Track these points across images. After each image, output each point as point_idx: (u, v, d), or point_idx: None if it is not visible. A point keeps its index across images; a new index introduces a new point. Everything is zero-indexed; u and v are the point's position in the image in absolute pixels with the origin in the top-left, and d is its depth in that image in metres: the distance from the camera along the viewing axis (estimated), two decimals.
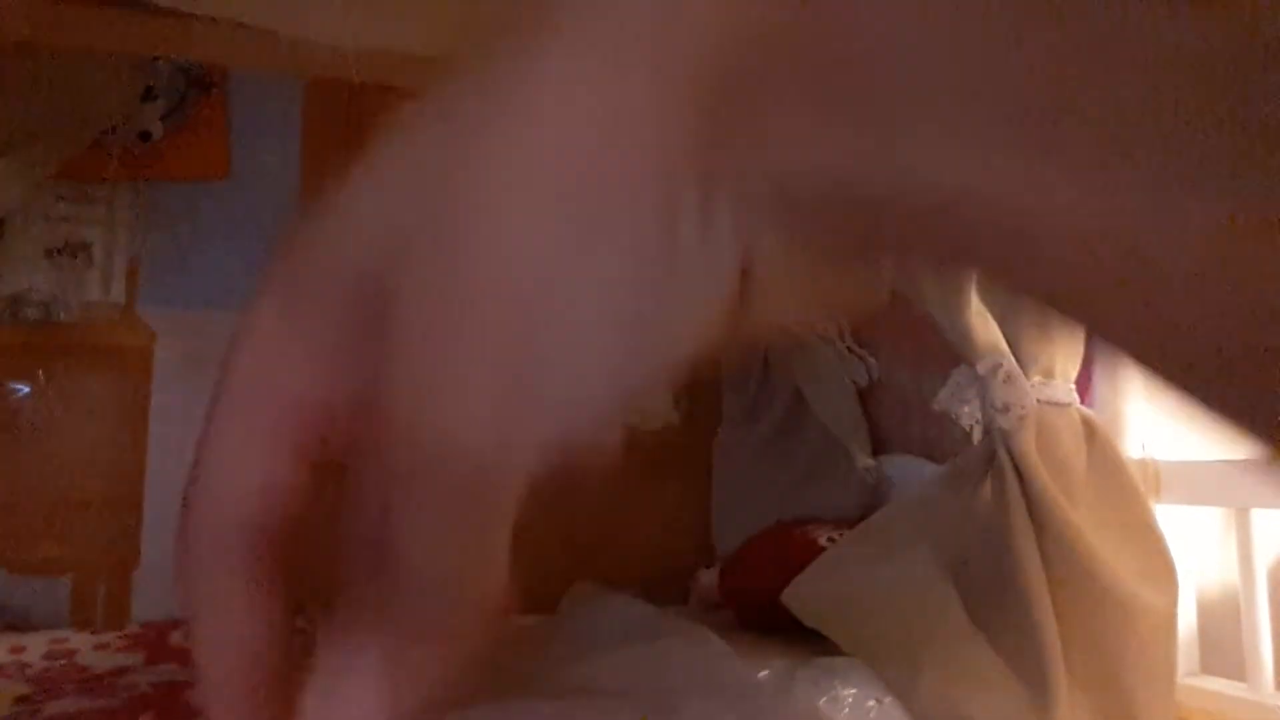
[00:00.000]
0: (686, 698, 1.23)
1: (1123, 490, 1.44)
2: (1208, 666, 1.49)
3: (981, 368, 1.44)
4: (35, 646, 1.61)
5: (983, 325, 1.44)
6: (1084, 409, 1.48)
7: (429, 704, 0.31)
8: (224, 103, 2.06)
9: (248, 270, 2.07)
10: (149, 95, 1.99)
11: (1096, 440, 1.46)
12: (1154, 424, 1.56)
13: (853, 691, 1.34)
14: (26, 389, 1.91)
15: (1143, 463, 1.53)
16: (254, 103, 2.08)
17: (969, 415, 1.52)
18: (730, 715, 1.21)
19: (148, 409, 1.96)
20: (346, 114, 2.17)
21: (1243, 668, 1.40)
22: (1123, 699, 1.32)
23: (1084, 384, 1.52)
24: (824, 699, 1.32)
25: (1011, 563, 1.37)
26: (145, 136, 1.98)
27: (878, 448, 2.08)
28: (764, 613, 1.67)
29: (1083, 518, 1.38)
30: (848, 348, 2.16)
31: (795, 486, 2.17)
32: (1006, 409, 1.42)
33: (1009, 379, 1.43)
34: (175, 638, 1.69)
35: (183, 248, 2.01)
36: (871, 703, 1.34)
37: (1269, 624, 1.40)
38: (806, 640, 1.52)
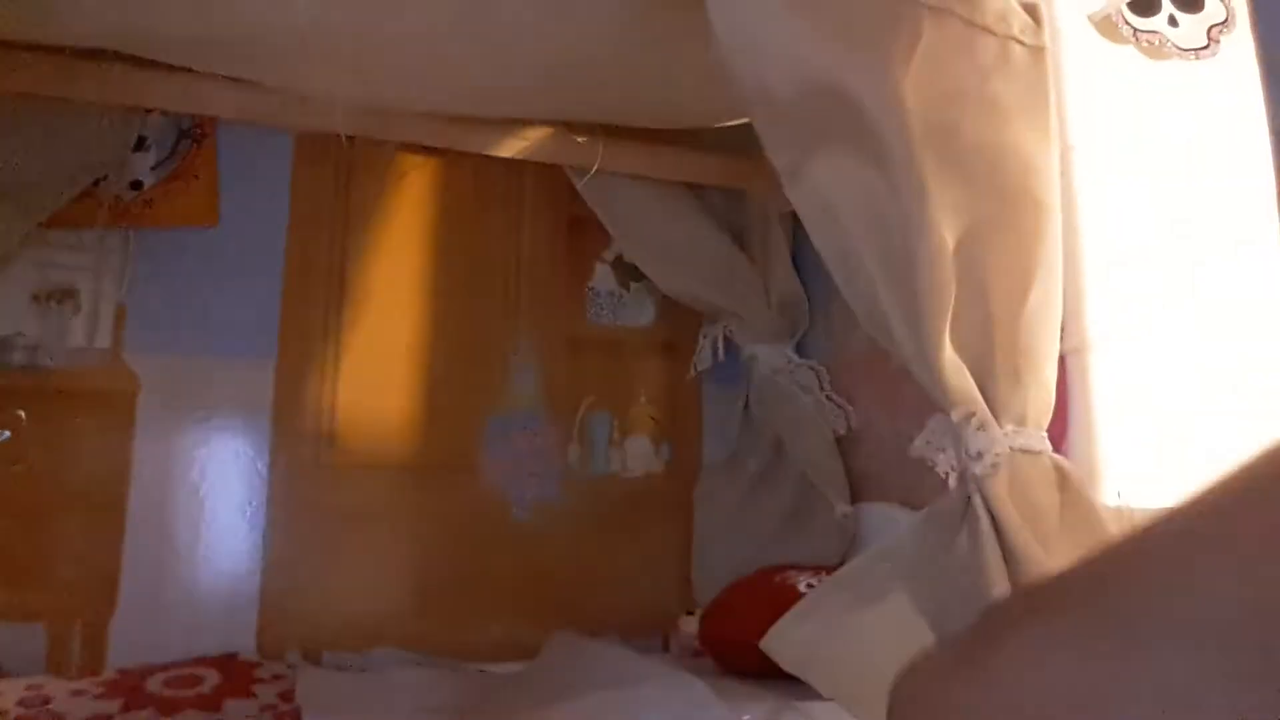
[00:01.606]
0: None
1: (1096, 537, 1.46)
2: None
3: (955, 416, 1.47)
4: (10, 692, 1.60)
5: (956, 374, 1.47)
6: (1056, 456, 1.51)
7: None
8: (214, 153, 2.09)
9: (234, 318, 2.09)
10: (141, 145, 2.03)
11: (1069, 486, 1.49)
12: (1129, 472, 1.59)
13: None
14: (7, 434, 1.91)
15: (1119, 510, 1.56)
16: (244, 153, 2.12)
17: (945, 462, 1.55)
18: None
19: (130, 455, 1.96)
20: (335, 166, 2.21)
21: None
22: None
23: (1059, 432, 1.55)
24: None
25: (986, 606, 1.39)
26: (136, 185, 2.01)
27: (855, 495, 2.11)
28: (744, 659, 1.67)
29: (1055, 562, 1.41)
30: (826, 396, 2.20)
31: (775, 533, 2.18)
32: (980, 456, 1.45)
33: (982, 426, 1.45)
34: (152, 684, 1.68)
35: (170, 295, 2.03)
36: None
37: None
38: (786, 685, 1.53)
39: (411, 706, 1.54)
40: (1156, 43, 1.90)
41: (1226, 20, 1.95)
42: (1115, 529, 1.53)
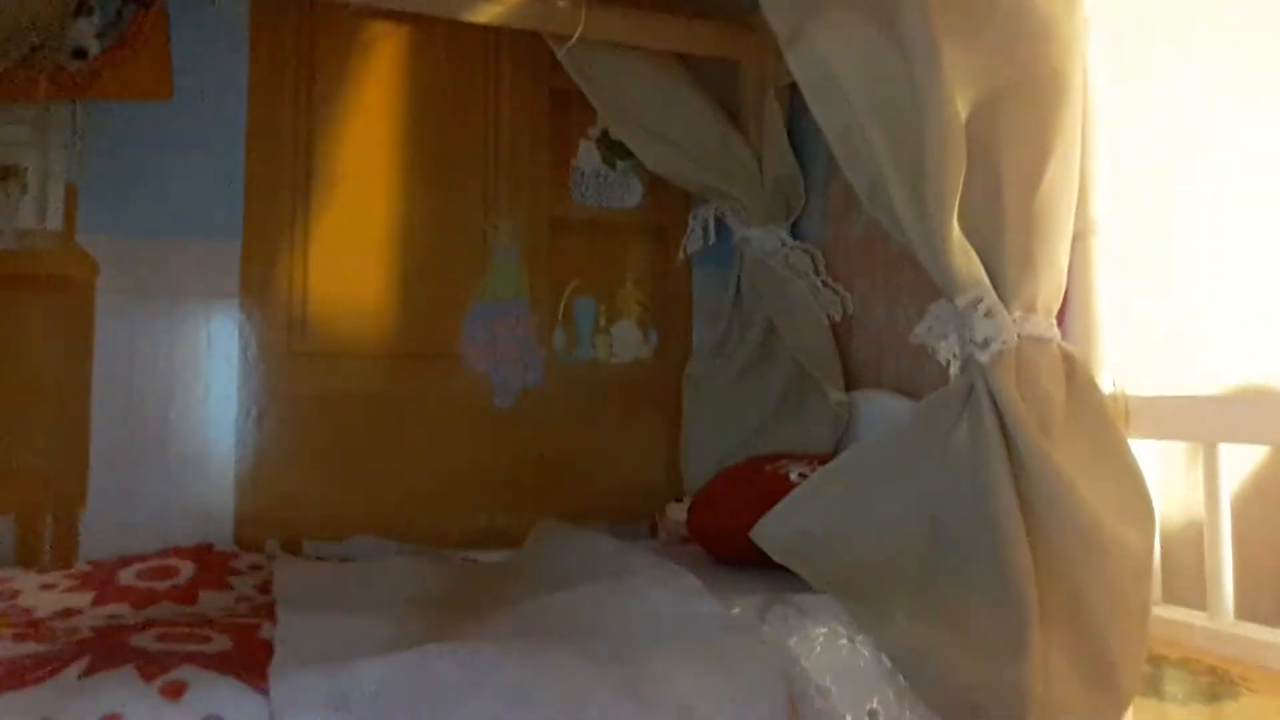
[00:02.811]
0: (653, 641, 1.20)
1: (1102, 427, 1.41)
2: (1169, 595, 1.49)
3: (961, 301, 1.39)
4: None
5: (964, 258, 1.39)
6: (1065, 345, 1.44)
7: None
8: (165, 18, 1.93)
9: (195, 196, 1.97)
10: (82, 10, 1.86)
11: (1076, 376, 1.43)
12: (1124, 358, 1.53)
13: (823, 630, 1.32)
14: None
15: (1113, 397, 1.51)
16: (197, 18, 1.95)
17: (947, 349, 1.47)
18: (696, 662, 1.17)
19: (92, 343, 1.87)
20: (296, 34, 2.04)
21: (1203, 597, 1.42)
22: (1097, 635, 1.30)
23: (1058, 318, 1.48)
24: (794, 638, 1.29)
25: (988, 500, 1.34)
26: (80, 54, 1.85)
27: (850, 383, 2.04)
28: (733, 548, 1.64)
29: (1062, 455, 1.35)
30: (822, 281, 2.11)
31: (766, 421, 2.13)
32: (986, 344, 1.38)
33: (990, 313, 1.38)
34: (125, 576, 1.64)
35: (125, 173, 1.90)
36: (843, 641, 1.32)
37: (1231, 555, 1.41)
38: (776, 576, 1.50)
39: (396, 596, 1.50)
40: None
41: None
42: (1118, 419, 1.48)
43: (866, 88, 1.38)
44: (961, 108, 1.36)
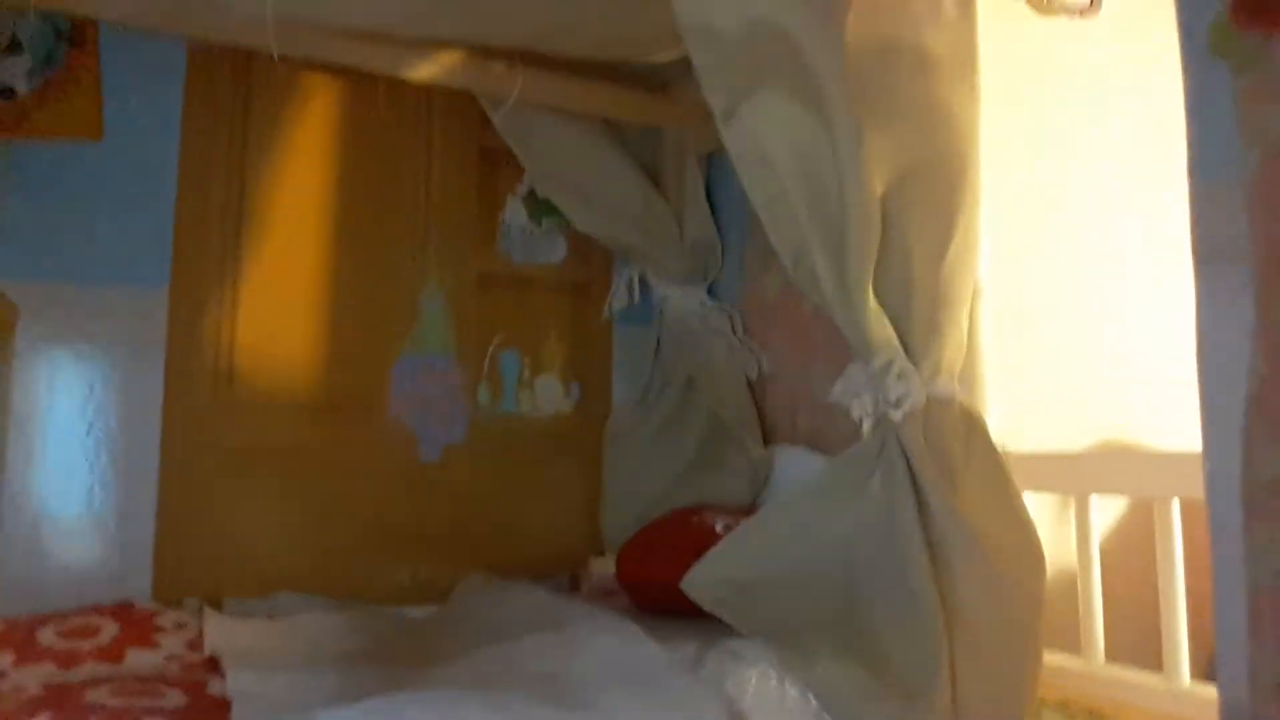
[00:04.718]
0: (603, 684, 1.26)
1: (998, 480, 1.55)
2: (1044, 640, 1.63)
3: (876, 363, 1.52)
4: None
5: (879, 323, 1.52)
6: (966, 403, 1.58)
7: None
8: (97, 59, 1.91)
9: (121, 242, 1.94)
10: (13, 47, 1.83)
11: (976, 432, 1.57)
12: (1002, 416, 1.69)
13: (755, 671, 1.40)
14: None
15: (1006, 454, 1.65)
16: (131, 63, 1.94)
17: (860, 408, 1.59)
18: (645, 701, 1.24)
19: (8, 389, 1.81)
20: (233, 82, 2.06)
21: (1077, 641, 1.54)
22: (996, 671, 1.42)
23: None
24: (730, 680, 1.37)
25: (900, 547, 1.46)
26: (7, 93, 1.82)
27: (766, 437, 2.15)
28: (662, 598, 1.70)
29: (964, 504, 1.48)
30: (739, 340, 2.23)
31: (685, 473, 2.21)
32: (899, 403, 1.50)
33: (902, 375, 1.51)
34: (44, 636, 1.58)
35: (51, 216, 1.86)
36: (773, 682, 1.40)
37: (1101, 601, 1.55)
38: (707, 624, 1.57)
39: (332, 652, 1.51)
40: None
41: None
42: (1011, 473, 1.62)
43: (793, 163, 1.50)
44: (878, 184, 1.50)
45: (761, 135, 1.52)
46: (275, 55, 1.81)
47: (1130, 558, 1.70)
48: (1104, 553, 1.58)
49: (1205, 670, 1.37)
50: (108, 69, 1.93)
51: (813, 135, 1.48)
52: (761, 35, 1.44)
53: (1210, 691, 1.18)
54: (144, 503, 1.93)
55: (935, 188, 1.55)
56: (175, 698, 1.19)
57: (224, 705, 1.16)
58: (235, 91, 2.06)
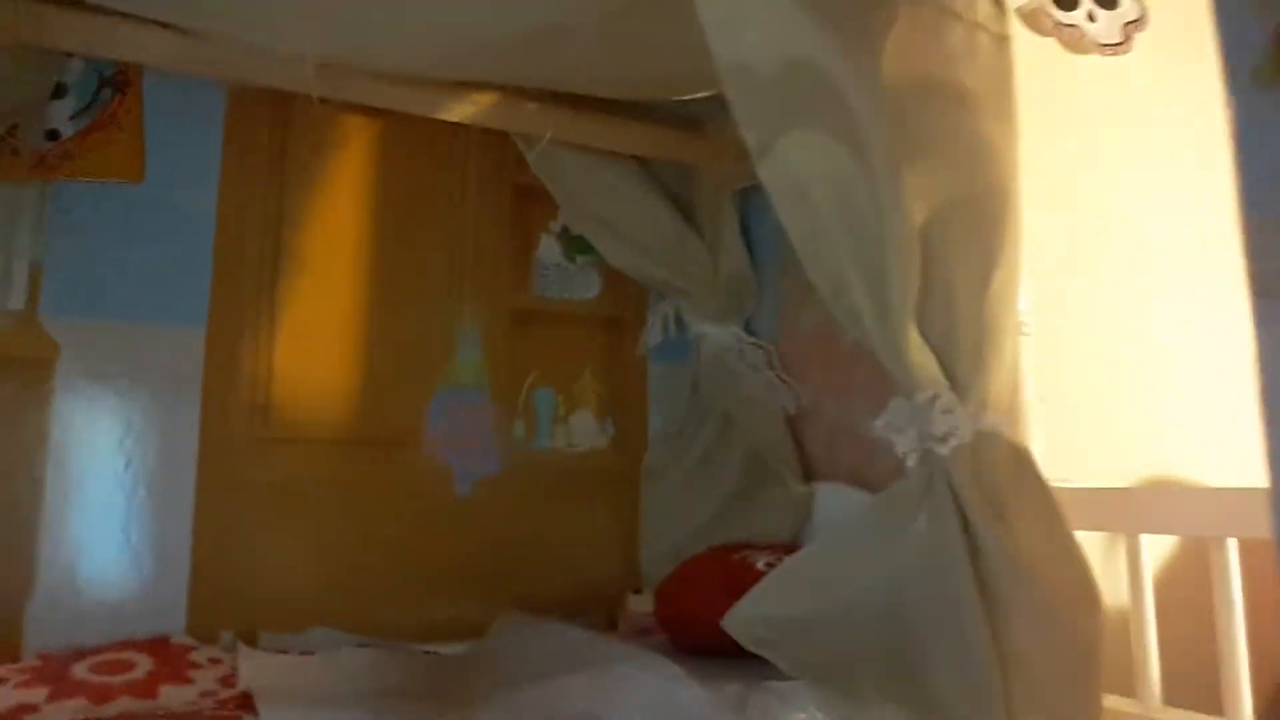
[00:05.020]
0: None
1: (1050, 517, 1.50)
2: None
3: (920, 398, 1.48)
4: None
5: (922, 357, 1.49)
6: (1014, 438, 1.54)
7: None
8: (139, 103, 1.95)
9: (160, 281, 1.96)
10: (59, 92, 1.87)
11: (1025, 468, 1.53)
12: (1050, 453, 1.65)
13: (802, 715, 1.36)
14: None
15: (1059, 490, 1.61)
16: (173, 106, 1.98)
17: (905, 443, 1.56)
18: None
19: (47, 426, 1.82)
20: (271, 124, 2.09)
21: (1132, 684, 1.49)
22: (1054, 713, 1.38)
23: None
24: None
25: (949, 585, 1.42)
26: (53, 135, 1.86)
27: (806, 474, 2.13)
28: (703, 637, 1.67)
29: (1015, 542, 1.44)
30: (777, 376, 2.20)
31: (723, 511, 2.19)
32: (945, 438, 1.47)
33: (947, 410, 1.47)
34: (78, 670, 1.58)
35: (92, 255, 1.88)
36: None
37: (1156, 642, 1.50)
38: (747, 665, 1.53)
39: (366, 689, 1.48)
40: (1076, 37, 1.98)
41: (1140, 19, 2.04)
42: (1063, 509, 1.58)
43: (831, 197, 1.49)
44: (918, 218, 1.48)
45: (798, 170, 1.52)
46: (315, 98, 1.86)
47: (1182, 593, 1.65)
48: (1156, 589, 1.54)
49: (1263, 713, 1.32)
50: (150, 112, 1.96)
51: (850, 170, 1.47)
52: (798, 73, 1.44)
53: None
54: (180, 537, 1.93)
55: (976, 222, 1.53)
56: None
57: None
58: (273, 133, 2.09)
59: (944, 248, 1.50)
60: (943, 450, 1.47)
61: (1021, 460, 1.53)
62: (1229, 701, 1.34)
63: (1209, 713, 1.39)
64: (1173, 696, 1.48)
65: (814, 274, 1.61)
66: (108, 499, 1.87)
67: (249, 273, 2.04)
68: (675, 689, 1.33)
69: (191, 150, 2.01)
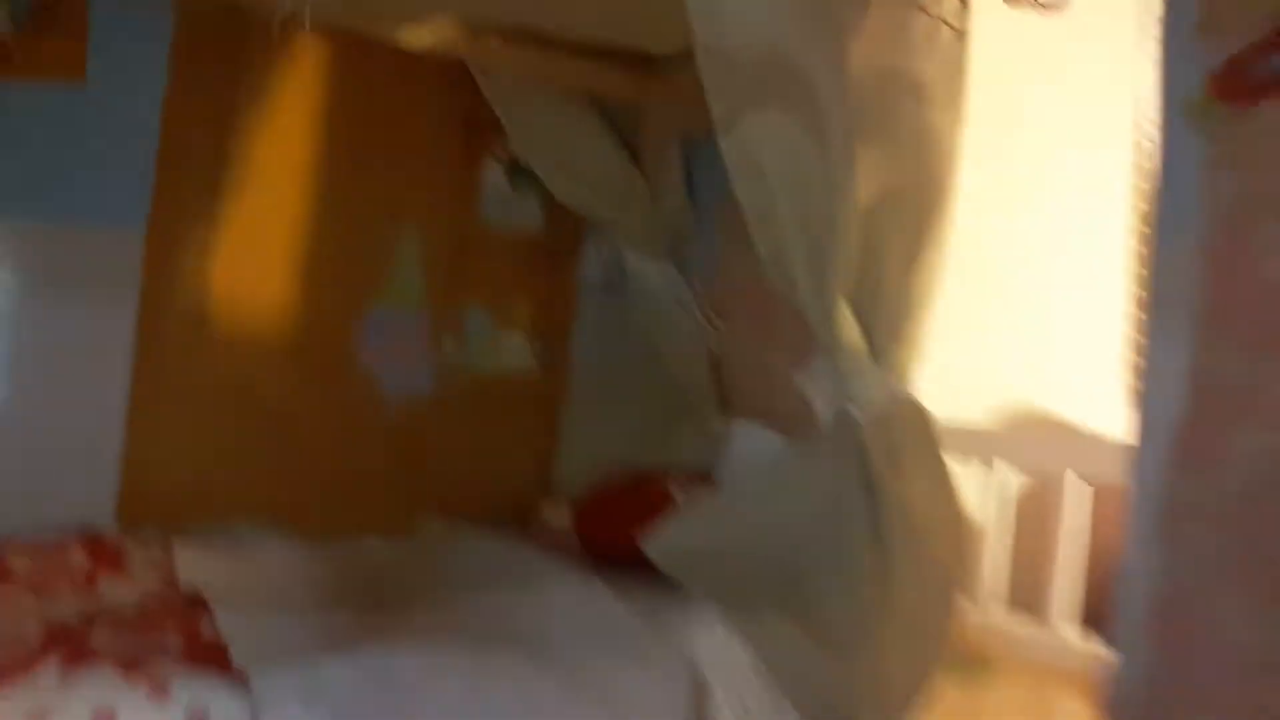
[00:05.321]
0: (576, 642, 1.38)
1: (941, 474, 1.69)
2: None
3: (841, 361, 1.64)
4: None
5: (846, 325, 1.64)
6: (919, 402, 1.71)
7: None
8: (84, 2, 1.88)
9: (101, 183, 1.94)
10: None
11: (926, 431, 1.70)
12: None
13: (708, 628, 1.54)
14: None
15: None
16: (119, 7, 1.90)
17: (821, 399, 1.72)
18: (615, 660, 1.36)
19: None
20: (223, 23, 2.04)
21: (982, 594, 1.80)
22: (917, 630, 1.59)
23: None
24: (687, 636, 1.50)
25: (845, 531, 1.60)
26: None
27: (724, 410, 2.28)
28: (619, 554, 1.82)
29: (907, 493, 1.63)
30: (705, 316, 2.33)
31: (644, 437, 2.34)
32: (858, 399, 1.63)
33: (864, 373, 1.63)
34: (19, 564, 1.61)
35: (30, 158, 1.84)
36: (724, 639, 1.54)
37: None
38: (654, 578, 1.69)
39: (310, 591, 1.59)
40: None
41: None
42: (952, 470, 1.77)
43: (785, 174, 1.59)
44: (863, 201, 1.60)
45: (759, 146, 1.60)
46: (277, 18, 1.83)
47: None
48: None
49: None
50: (96, 11, 1.89)
51: (807, 152, 1.57)
52: (771, 60, 1.52)
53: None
54: (111, 432, 1.96)
55: (915, 208, 1.67)
56: (173, 639, 1.26)
57: (219, 648, 1.24)
58: (223, 41, 2.04)
59: (881, 230, 1.63)
60: (855, 410, 1.63)
61: (924, 424, 1.71)
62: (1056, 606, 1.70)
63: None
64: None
65: (759, 240, 1.71)
66: (41, 396, 1.89)
67: (192, 177, 2.03)
68: (598, 604, 1.48)
69: (138, 52, 1.95)
